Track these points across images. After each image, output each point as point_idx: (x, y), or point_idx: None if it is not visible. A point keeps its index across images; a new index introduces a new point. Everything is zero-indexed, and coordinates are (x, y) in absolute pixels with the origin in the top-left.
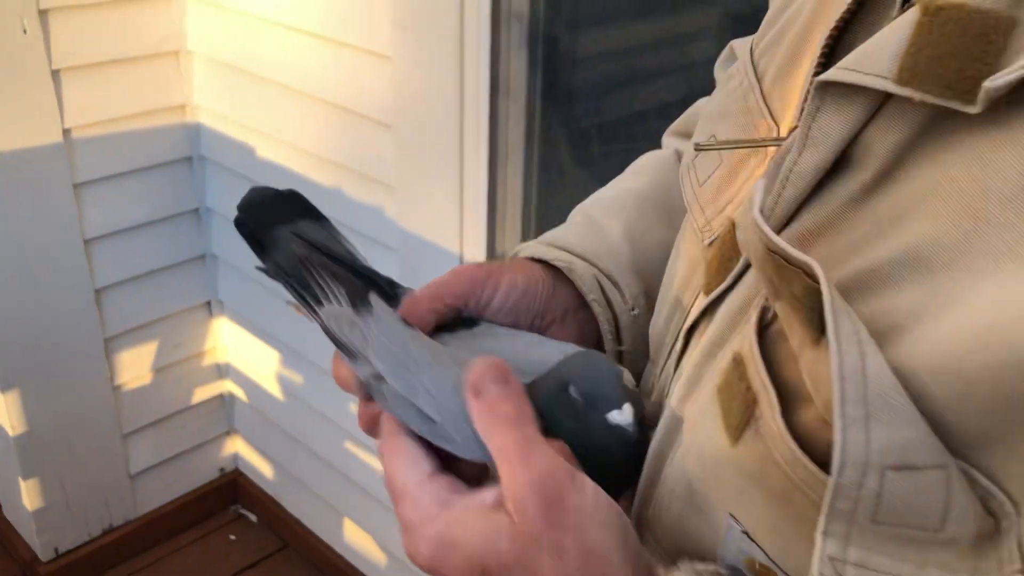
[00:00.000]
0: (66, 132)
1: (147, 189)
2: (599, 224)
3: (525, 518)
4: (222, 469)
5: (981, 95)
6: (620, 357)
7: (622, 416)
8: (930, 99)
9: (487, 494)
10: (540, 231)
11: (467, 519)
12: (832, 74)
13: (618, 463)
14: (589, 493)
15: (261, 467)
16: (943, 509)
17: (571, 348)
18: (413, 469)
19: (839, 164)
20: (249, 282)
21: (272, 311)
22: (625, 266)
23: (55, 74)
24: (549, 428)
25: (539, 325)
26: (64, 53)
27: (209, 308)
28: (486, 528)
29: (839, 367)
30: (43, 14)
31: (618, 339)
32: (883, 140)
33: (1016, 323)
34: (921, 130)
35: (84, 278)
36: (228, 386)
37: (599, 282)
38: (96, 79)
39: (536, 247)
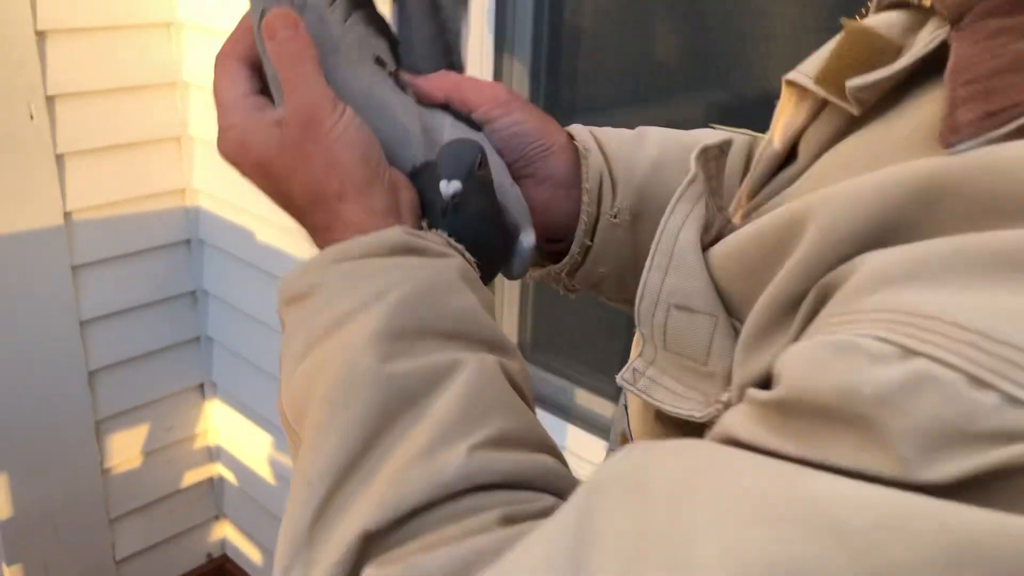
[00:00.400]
0: (67, 215)
1: (145, 271)
2: (642, 141)
3: (289, 132)
4: (209, 555)
5: (848, 93)
6: (587, 252)
7: (448, 187)
8: (831, 98)
9: (275, 112)
10: None
11: (258, 129)
12: (790, 74)
13: (455, 227)
14: (344, 121)
15: (249, 553)
16: (707, 347)
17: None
18: (233, 87)
19: (791, 154)
20: (243, 364)
21: (265, 393)
22: (635, 182)
23: (59, 158)
24: (424, 204)
25: (520, 168)
26: (69, 138)
27: (202, 390)
28: (268, 138)
29: (663, 226)
30: (50, 100)
31: (591, 235)
32: (815, 136)
33: (770, 219)
34: (837, 130)
35: (78, 360)
36: (218, 469)
37: (601, 177)
38: (99, 163)
39: (578, 127)
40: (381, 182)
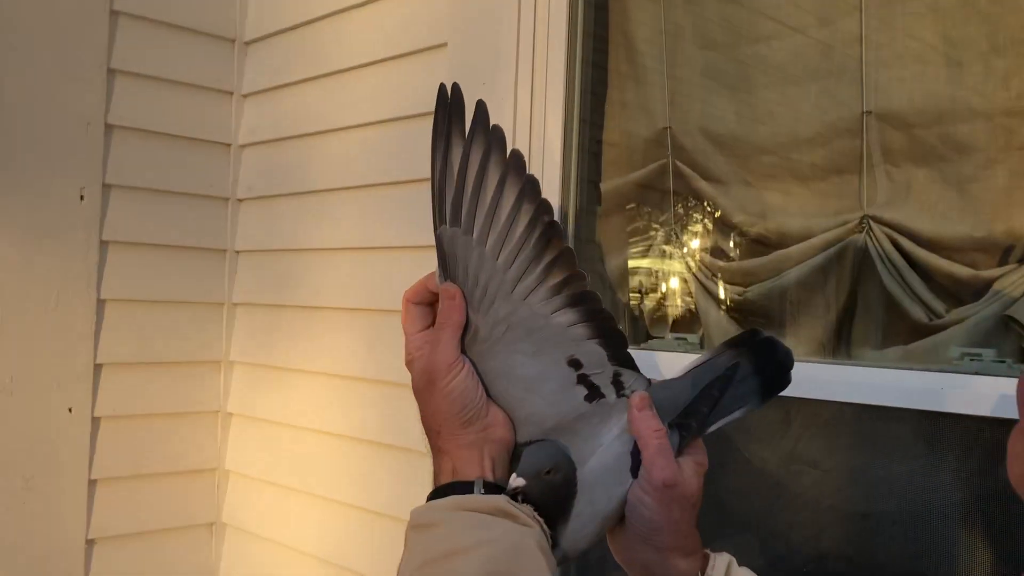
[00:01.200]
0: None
1: None
2: None
3: (417, 380)
4: None
5: None
6: None
7: (514, 480)
8: None
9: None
10: None
11: (416, 364)
12: None
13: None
14: (454, 382)
15: None
16: None
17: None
18: (412, 325)
19: None
20: None
21: None
22: None
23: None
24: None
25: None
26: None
27: None
28: (416, 376)
29: None
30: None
31: None
32: None
33: None
34: None
35: None
36: None
37: None
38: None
39: (725, 556)
40: (473, 426)
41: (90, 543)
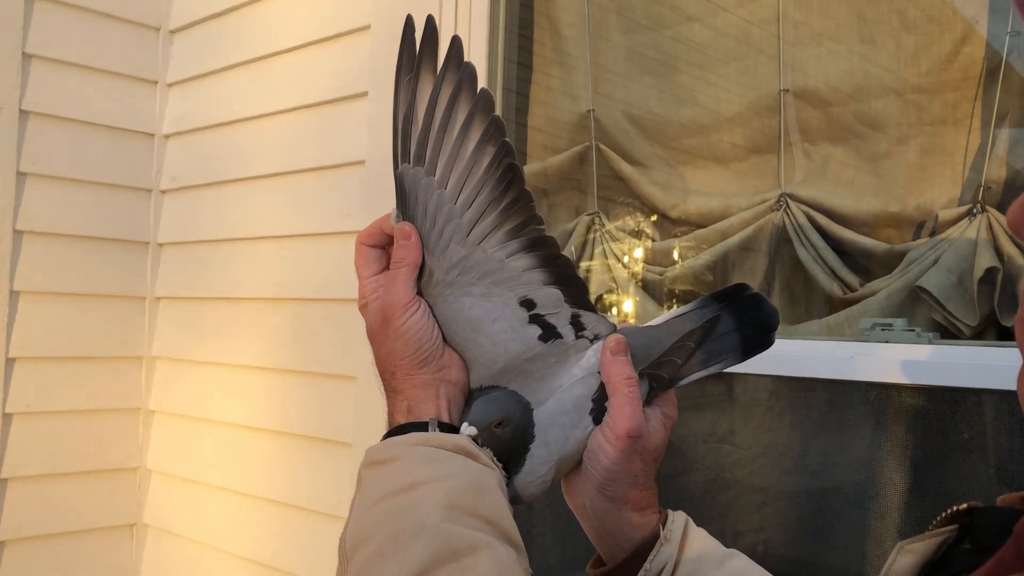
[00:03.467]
0: None
1: None
2: (722, 565)
3: (372, 320)
4: None
5: None
6: None
7: (465, 429)
8: None
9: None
10: None
11: (369, 308)
12: None
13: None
14: (409, 321)
15: None
16: None
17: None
18: (366, 267)
19: None
20: None
21: None
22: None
23: None
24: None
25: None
26: None
27: None
28: (370, 317)
29: None
30: None
31: None
32: None
33: None
34: None
35: None
36: None
37: (663, 569)
38: None
39: (681, 514)
40: (428, 367)
41: (0, 545)
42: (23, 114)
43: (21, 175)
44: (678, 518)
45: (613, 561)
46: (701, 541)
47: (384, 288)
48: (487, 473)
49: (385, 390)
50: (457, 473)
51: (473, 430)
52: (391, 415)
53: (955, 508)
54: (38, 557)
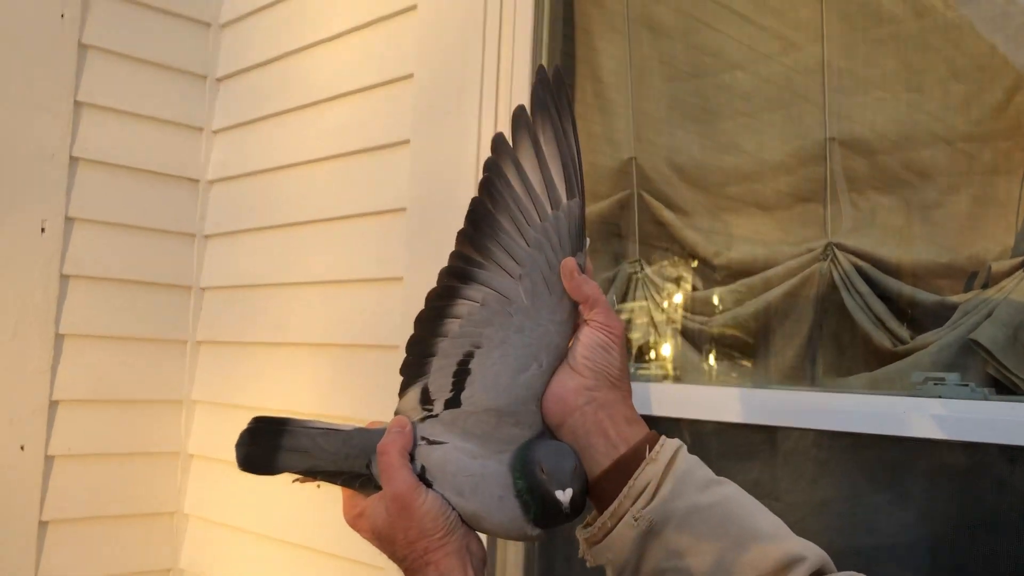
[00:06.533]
0: None
1: None
2: (708, 489)
3: (392, 509)
4: None
5: None
6: (607, 533)
7: (563, 495)
8: None
9: (380, 494)
10: None
11: (373, 509)
12: None
13: (557, 516)
14: (428, 503)
15: None
16: None
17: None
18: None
19: None
20: None
21: None
22: (670, 510)
23: None
24: (520, 477)
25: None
26: None
27: None
28: (378, 514)
29: None
30: None
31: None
32: None
33: None
34: None
35: None
36: None
37: (647, 487)
38: None
39: (675, 441)
40: (455, 534)
41: None
42: (73, 160)
43: (69, 220)
44: (670, 443)
45: (592, 474)
46: (690, 464)
47: (384, 480)
48: None
49: (413, 571)
50: None
51: (571, 491)
52: None
53: None
54: None
